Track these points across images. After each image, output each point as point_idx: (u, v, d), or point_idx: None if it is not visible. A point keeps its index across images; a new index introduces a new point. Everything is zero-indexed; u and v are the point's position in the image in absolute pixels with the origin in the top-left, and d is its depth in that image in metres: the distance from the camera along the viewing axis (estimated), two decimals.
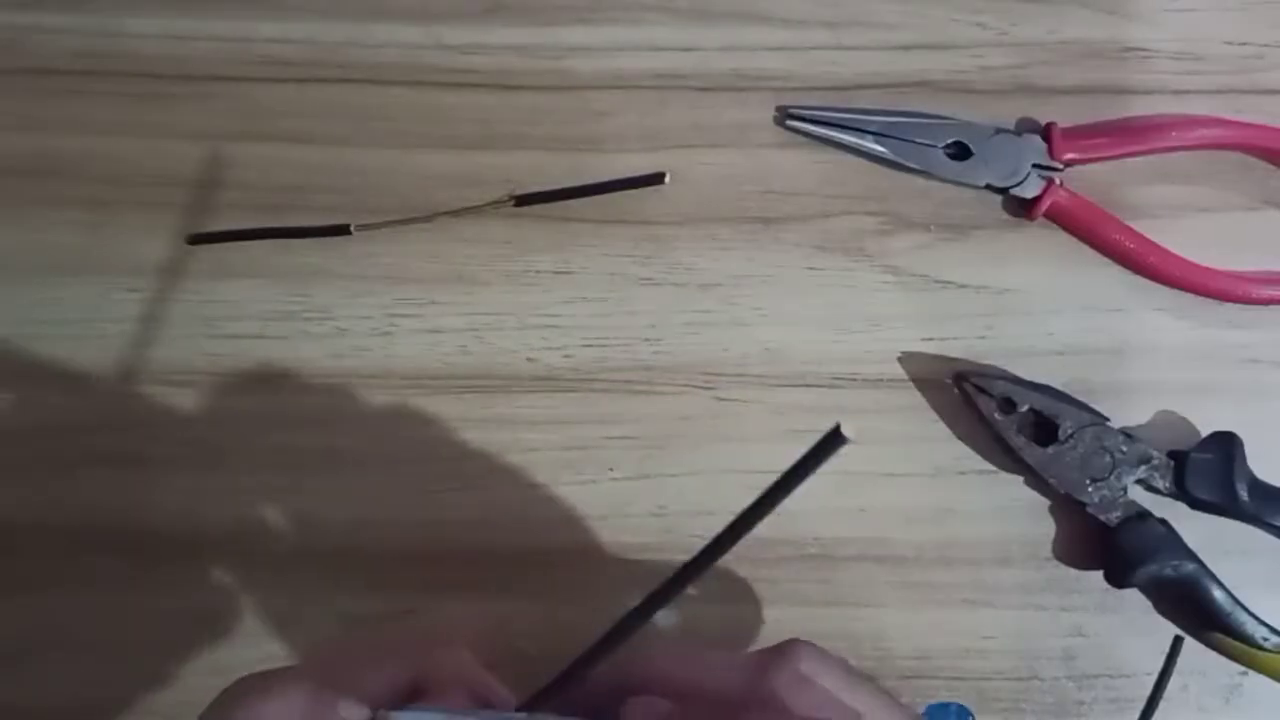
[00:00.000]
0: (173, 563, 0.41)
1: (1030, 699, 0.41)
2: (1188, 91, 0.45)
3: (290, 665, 0.30)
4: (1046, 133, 0.43)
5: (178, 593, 0.41)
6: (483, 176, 0.43)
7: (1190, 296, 0.43)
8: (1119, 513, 0.40)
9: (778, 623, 0.41)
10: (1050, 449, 0.40)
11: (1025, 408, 0.41)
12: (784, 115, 0.44)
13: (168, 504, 0.42)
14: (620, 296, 0.43)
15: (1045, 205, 0.43)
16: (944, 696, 0.41)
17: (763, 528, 0.42)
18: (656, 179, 0.43)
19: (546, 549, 0.42)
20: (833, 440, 0.23)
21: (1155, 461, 0.40)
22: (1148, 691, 0.40)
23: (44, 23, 0.45)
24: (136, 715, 0.41)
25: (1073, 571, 0.42)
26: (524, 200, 0.43)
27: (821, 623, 0.41)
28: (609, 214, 0.43)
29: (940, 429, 0.42)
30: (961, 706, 0.37)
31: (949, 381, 0.42)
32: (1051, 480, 0.40)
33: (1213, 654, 0.41)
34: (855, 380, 0.43)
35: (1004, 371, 0.42)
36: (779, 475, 0.24)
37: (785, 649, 0.31)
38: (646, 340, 0.43)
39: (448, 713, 0.28)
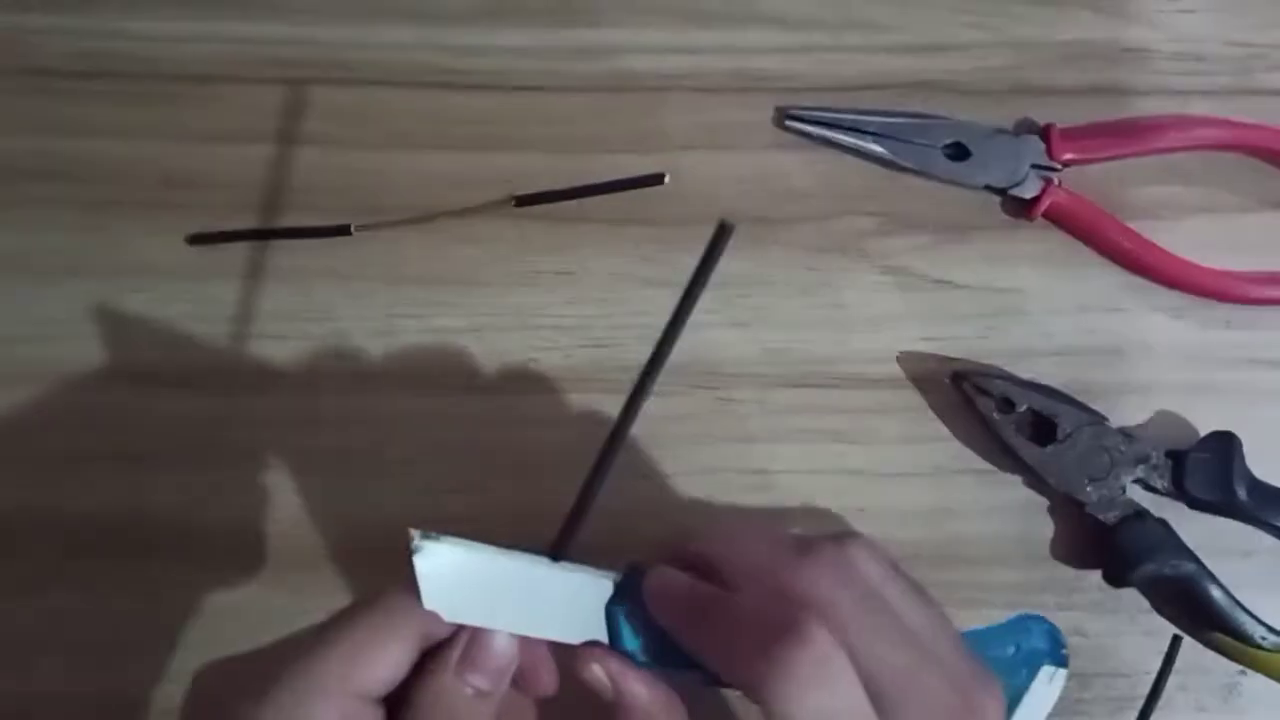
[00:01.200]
0: (172, 562, 0.41)
1: None
2: (1186, 92, 0.45)
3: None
4: (1045, 133, 0.43)
5: (177, 592, 0.41)
6: (483, 177, 0.43)
7: (1189, 297, 0.43)
8: (1117, 512, 0.40)
9: None
10: (1049, 449, 0.41)
11: (1024, 407, 0.41)
12: (783, 116, 0.44)
13: (167, 504, 0.42)
14: (621, 297, 0.43)
15: (1044, 206, 0.43)
16: None
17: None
18: (656, 180, 0.43)
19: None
20: (723, 232, 0.26)
21: (1154, 461, 0.41)
22: (1146, 690, 0.40)
23: (44, 23, 0.45)
24: (136, 715, 0.41)
25: (1071, 571, 0.42)
26: (524, 201, 0.43)
27: None
28: (609, 215, 0.43)
29: (939, 429, 0.42)
30: (1052, 626, 0.36)
31: (948, 381, 0.42)
32: (1050, 480, 0.40)
33: (1211, 653, 0.41)
34: (855, 380, 0.43)
35: (1003, 371, 0.42)
36: (690, 274, 0.28)
37: (838, 540, 0.30)
38: (646, 340, 0.43)
39: (482, 546, 0.29)
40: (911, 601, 0.31)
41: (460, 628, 0.29)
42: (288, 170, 0.44)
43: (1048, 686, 0.36)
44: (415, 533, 0.28)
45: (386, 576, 0.41)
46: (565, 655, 0.31)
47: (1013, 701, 0.35)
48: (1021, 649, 0.36)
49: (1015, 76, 0.45)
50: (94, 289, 0.43)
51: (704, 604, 0.30)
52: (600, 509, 0.42)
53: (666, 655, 0.31)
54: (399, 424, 0.42)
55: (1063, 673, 0.36)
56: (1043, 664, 0.36)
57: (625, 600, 0.31)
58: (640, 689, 0.30)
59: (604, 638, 0.31)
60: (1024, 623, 0.36)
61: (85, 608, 0.41)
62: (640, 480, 0.42)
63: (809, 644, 0.27)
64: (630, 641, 0.31)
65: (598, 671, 0.30)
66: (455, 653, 0.28)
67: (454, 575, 0.28)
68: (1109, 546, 0.40)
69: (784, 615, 0.27)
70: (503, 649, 0.29)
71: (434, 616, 0.28)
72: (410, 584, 0.28)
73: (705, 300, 0.43)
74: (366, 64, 0.44)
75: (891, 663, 0.28)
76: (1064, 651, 0.36)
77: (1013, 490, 0.42)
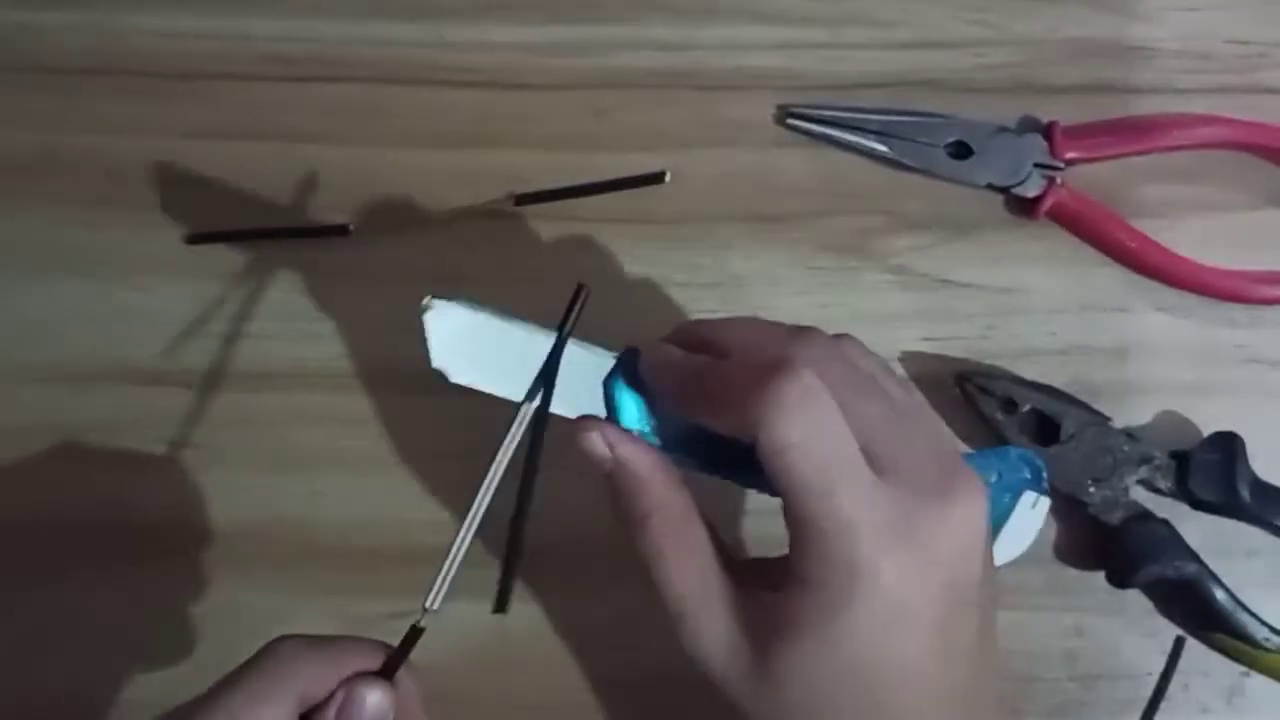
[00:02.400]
0: (173, 562, 0.41)
1: (1031, 700, 0.41)
2: (1190, 90, 0.45)
3: None
4: (1048, 131, 0.43)
5: (178, 592, 0.41)
6: (483, 175, 0.43)
7: (1192, 296, 0.43)
8: (1121, 513, 0.40)
9: None
10: (1052, 449, 0.40)
11: (1027, 408, 0.41)
12: (784, 114, 0.44)
13: (167, 504, 0.42)
14: (620, 296, 0.43)
15: (1047, 204, 0.42)
16: None
17: (762, 530, 0.42)
18: (657, 178, 0.43)
19: (546, 548, 0.41)
20: (579, 295, 0.29)
21: (1157, 462, 0.40)
22: (1149, 692, 0.40)
23: (45, 20, 0.45)
24: (137, 714, 0.41)
25: (1074, 572, 0.42)
26: (524, 199, 0.43)
27: None
28: (609, 213, 0.43)
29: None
30: (1034, 455, 0.36)
31: (951, 381, 0.42)
32: (1053, 481, 0.40)
33: (1214, 654, 0.41)
34: None
35: (1006, 371, 0.42)
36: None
37: (835, 337, 0.31)
38: (648, 341, 0.43)
39: (492, 312, 0.31)
40: (903, 389, 0.31)
41: (335, 689, 0.30)
42: (287, 169, 0.44)
43: (1030, 512, 0.36)
44: (429, 294, 0.30)
45: (387, 576, 0.41)
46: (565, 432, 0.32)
47: (996, 527, 0.35)
48: (1004, 477, 0.36)
49: (1018, 74, 0.45)
50: (93, 287, 0.43)
51: (700, 368, 0.31)
52: (598, 510, 0.42)
53: (660, 432, 0.32)
54: (398, 423, 0.42)
55: (1045, 501, 0.36)
56: (1024, 490, 0.36)
57: (623, 377, 0.32)
58: (637, 453, 0.31)
59: (601, 414, 0.32)
60: (1005, 451, 0.36)
61: (83, 608, 0.41)
62: None
63: (796, 378, 0.28)
64: (626, 418, 0.32)
65: (596, 439, 0.31)
66: (330, 711, 0.29)
67: (461, 336, 0.31)
68: (1112, 547, 0.40)
69: (775, 361, 0.28)
70: (376, 709, 0.30)
71: (312, 678, 0.29)
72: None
73: (708, 299, 0.43)
74: (367, 61, 0.44)
75: (881, 427, 0.29)
76: (1045, 481, 0.36)
77: None
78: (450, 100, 0.44)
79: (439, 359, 0.31)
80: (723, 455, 0.32)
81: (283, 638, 0.30)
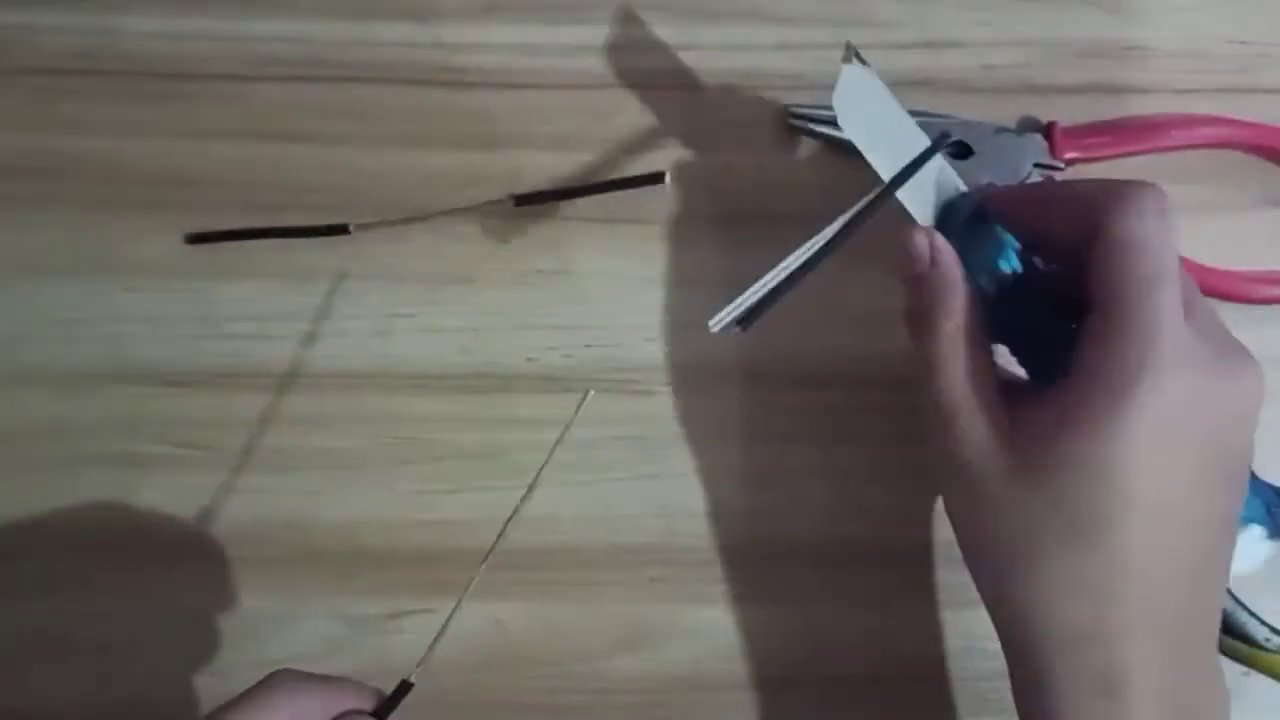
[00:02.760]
0: (171, 563, 0.41)
1: None
2: (1190, 90, 0.45)
3: None
4: (1048, 131, 0.43)
5: (177, 593, 0.41)
6: (482, 176, 0.43)
7: None
8: None
9: (779, 623, 0.41)
10: None
11: None
12: (785, 114, 0.44)
13: (166, 504, 0.42)
14: (620, 296, 0.43)
15: None
16: (944, 699, 0.41)
17: (763, 531, 0.42)
18: (656, 179, 0.43)
19: (546, 549, 0.42)
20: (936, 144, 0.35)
21: None
22: None
23: (42, 21, 0.45)
24: (136, 716, 0.41)
25: None
26: (524, 200, 0.43)
27: (824, 622, 0.41)
28: (609, 214, 0.43)
29: None
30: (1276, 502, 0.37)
31: None
32: None
33: None
34: (858, 379, 0.42)
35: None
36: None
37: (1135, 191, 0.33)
38: (646, 340, 0.43)
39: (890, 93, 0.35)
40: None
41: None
42: (286, 170, 0.44)
43: (1251, 545, 0.36)
44: (852, 49, 0.34)
45: (387, 576, 0.41)
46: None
47: None
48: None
49: (1019, 75, 0.44)
50: (92, 289, 0.43)
51: (1046, 187, 0.36)
52: (599, 511, 0.42)
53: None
54: (398, 423, 0.42)
55: (1270, 545, 0.36)
56: (1253, 522, 0.36)
57: (958, 204, 0.36)
58: (955, 262, 0.34)
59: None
60: (1258, 483, 0.37)
61: (82, 611, 0.41)
62: (641, 481, 0.42)
63: (1157, 189, 0.32)
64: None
65: (923, 240, 0.34)
66: None
67: (862, 93, 0.35)
68: None
69: (1132, 181, 0.32)
70: None
71: (306, 711, 0.31)
72: None
73: (704, 297, 0.43)
74: (366, 62, 0.44)
75: (1189, 284, 0.32)
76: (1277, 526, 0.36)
77: None
78: (450, 100, 0.44)
79: (840, 103, 0.34)
80: (1012, 304, 0.35)
81: (282, 670, 0.32)
